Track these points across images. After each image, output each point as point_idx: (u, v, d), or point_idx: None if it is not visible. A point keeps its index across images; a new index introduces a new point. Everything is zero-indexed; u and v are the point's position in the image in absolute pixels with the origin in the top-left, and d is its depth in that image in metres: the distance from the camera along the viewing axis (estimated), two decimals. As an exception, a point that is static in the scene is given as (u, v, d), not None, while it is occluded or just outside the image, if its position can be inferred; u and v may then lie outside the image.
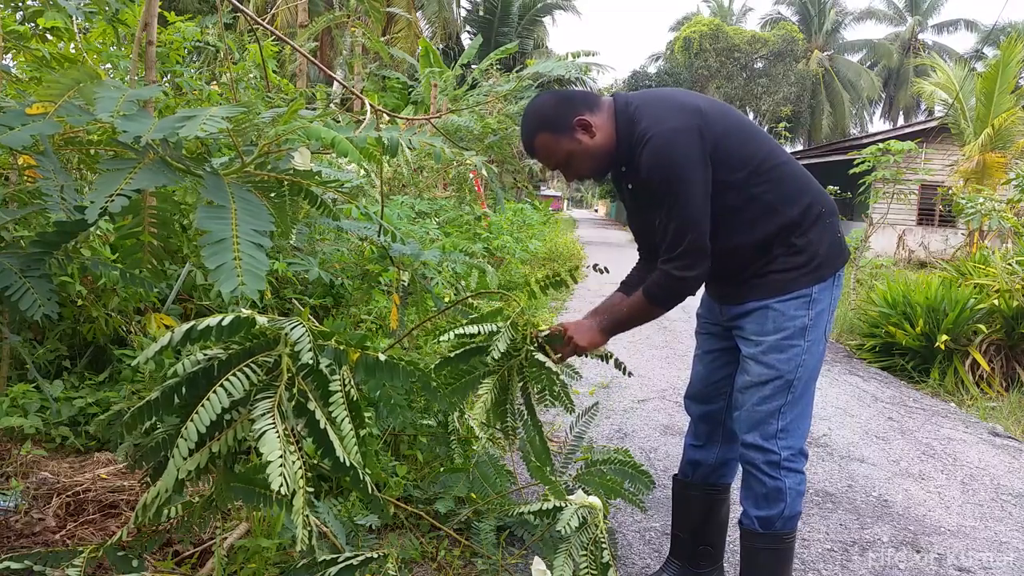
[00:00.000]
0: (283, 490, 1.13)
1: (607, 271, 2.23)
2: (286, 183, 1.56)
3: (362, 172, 4.06)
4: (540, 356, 1.91)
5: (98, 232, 2.59)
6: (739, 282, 1.90)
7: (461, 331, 1.93)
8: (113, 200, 1.19)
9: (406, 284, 2.76)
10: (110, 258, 2.46)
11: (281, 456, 1.17)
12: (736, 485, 2.24)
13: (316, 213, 1.73)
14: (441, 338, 1.93)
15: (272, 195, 1.58)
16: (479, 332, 1.93)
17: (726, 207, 1.79)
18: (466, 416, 2.79)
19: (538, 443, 2.09)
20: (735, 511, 2.28)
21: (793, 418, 1.87)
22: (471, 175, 7.49)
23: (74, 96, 1.34)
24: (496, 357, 1.85)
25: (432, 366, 1.90)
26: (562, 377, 1.96)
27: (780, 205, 1.82)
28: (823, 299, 1.85)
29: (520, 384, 2.01)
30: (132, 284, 1.92)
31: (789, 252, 1.83)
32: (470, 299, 2.56)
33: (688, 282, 1.79)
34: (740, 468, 2.01)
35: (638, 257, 2.13)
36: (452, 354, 1.97)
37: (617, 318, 1.95)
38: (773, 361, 1.85)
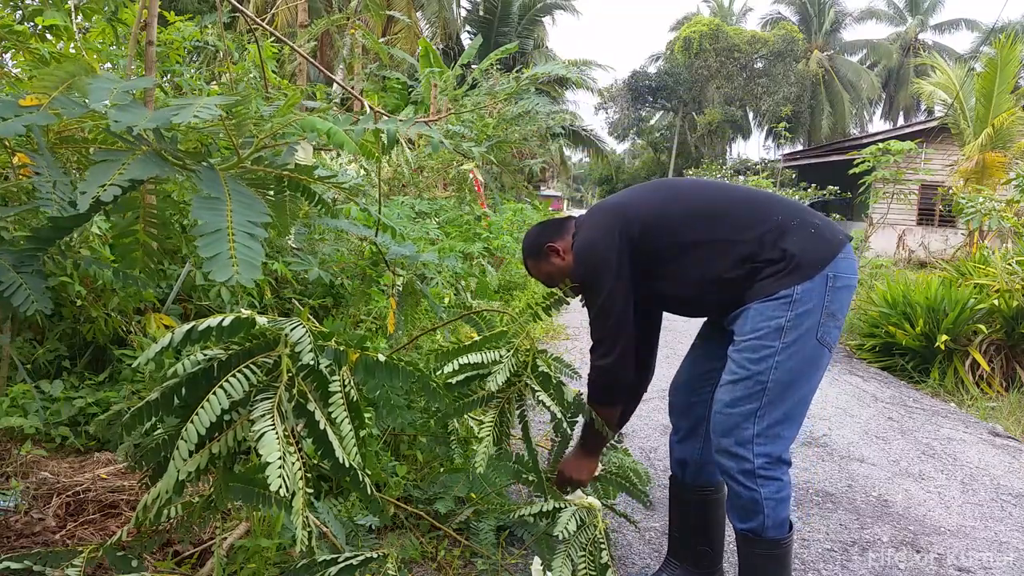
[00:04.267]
0: (282, 491, 1.13)
1: None
2: (285, 180, 1.55)
3: (362, 172, 4.05)
4: (544, 397, 1.97)
5: (97, 232, 2.59)
6: (735, 298, 1.91)
7: (465, 360, 1.98)
8: (105, 189, 1.17)
9: (400, 288, 2.76)
10: (109, 258, 2.46)
11: (280, 457, 1.17)
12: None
13: (316, 211, 1.73)
14: (446, 368, 1.97)
15: (271, 193, 1.57)
16: (482, 361, 1.99)
17: (695, 258, 1.91)
18: (467, 418, 2.79)
19: (532, 467, 2.13)
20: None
21: (771, 423, 1.82)
22: (471, 175, 7.49)
23: (68, 90, 1.32)
24: (493, 389, 1.92)
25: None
26: (563, 419, 2.02)
27: (741, 235, 1.88)
28: (808, 300, 1.80)
29: (519, 411, 2.05)
30: (126, 284, 1.91)
31: (769, 264, 1.85)
32: (475, 312, 2.57)
33: (605, 369, 1.94)
34: None
35: None
36: (454, 380, 2.00)
37: (589, 433, 2.11)
38: (744, 360, 1.84)
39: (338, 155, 4.90)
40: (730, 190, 2.14)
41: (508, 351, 2.01)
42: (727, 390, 1.87)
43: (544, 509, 1.89)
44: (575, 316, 6.78)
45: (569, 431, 2.11)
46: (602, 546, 1.82)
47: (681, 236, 1.93)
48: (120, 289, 2.74)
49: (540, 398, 1.96)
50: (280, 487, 1.13)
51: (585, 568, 1.77)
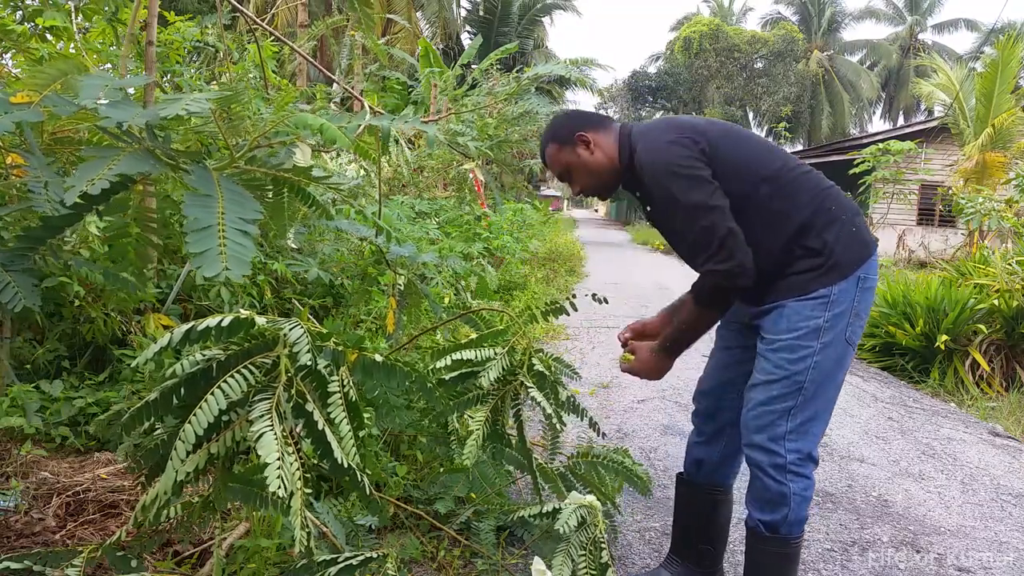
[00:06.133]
0: (280, 492, 1.13)
1: (606, 302, 2.23)
2: (281, 181, 1.55)
3: (362, 172, 4.05)
4: (536, 394, 1.96)
5: (97, 233, 2.59)
6: (761, 284, 1.88)
7: (458, 356, 1.98)
8: (94, 183, 1.17)
9: (402, 287, 2.76)
10: (108, 258, 2.46)
11: (279, 457, 1.16)
12: (738, 485, 2.24)
13: (313, 214, 1.73)
14: (439, 363, 1.97)
15: (268, 194, 1.56)
16: (476, 357, 1.98)
17: (738, 217, 1.81)
18: (465, 416, 2.79)
19: (526, 464, 2.13)
20: (737, 512, 2.28)
21: (804, 421, 1.85)
22: (471, 175, 7.49)
23: (62, 88, 1.32)
24: (485, 385, 1.91)
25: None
26: (556, 413, 2.02)
27: (791, 210, 1.84)
28: (843, 301, 1.82)
29: (513, 410, 2.06)
30: (115, 285, 1.90)
31: (808, 254, 1.83)
32: (473, 312, 2.58)
33: (728, 273, 1.78)
34: (746, 469, 2.00)
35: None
36: (447, 377, 2.01)
37: (678, 335, 1.97)
38: (782, 361, 1.84)
39: (337, 155, 4.90)
40: (789, 158, 1.99)
41: (503, 349, 2.01)
42: (762, 389, 1.87)
43: (544, 510, 1.89)
44: (575, 316, 6.78)
45: (560, 428, 2.10)
46: (602, 546, 1.82)
47: (734, 185, 1.83)
48: (111, 290, 2.74)
49: (532, 395, 1.96)
50: (278, 487, 1.13)
51: (585, 567, 1.77)
